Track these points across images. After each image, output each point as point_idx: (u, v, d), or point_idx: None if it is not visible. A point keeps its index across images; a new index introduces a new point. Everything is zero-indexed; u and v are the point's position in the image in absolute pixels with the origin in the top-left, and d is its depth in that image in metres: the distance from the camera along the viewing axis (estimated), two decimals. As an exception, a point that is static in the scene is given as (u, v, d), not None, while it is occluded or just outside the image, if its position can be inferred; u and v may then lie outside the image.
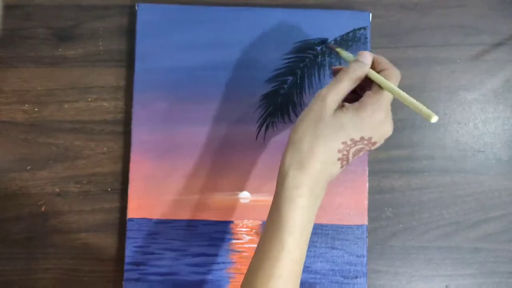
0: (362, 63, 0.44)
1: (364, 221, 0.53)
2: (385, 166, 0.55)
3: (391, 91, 0.42)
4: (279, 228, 0.41)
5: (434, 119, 0.39)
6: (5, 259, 0.54)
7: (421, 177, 0.55)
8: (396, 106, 0.56)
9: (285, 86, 0.54)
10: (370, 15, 0.55)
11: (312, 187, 0.41)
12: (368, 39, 0.54)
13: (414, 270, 0.54)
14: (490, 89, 0.56)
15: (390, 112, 0.43)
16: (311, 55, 0.54)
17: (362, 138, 0.42)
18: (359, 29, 0.54)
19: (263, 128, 0.54)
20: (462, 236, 0.55)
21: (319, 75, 0.54)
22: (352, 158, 0.43)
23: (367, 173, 0.54)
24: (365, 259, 0.53)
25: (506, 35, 0.56)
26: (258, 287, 0.40)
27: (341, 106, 0.43)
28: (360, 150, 0.43)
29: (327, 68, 0.54)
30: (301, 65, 0.54)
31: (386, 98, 0.42)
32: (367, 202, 0.53)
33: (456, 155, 0.55)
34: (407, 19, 0.56)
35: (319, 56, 0.54)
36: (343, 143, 0.42)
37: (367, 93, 0.43)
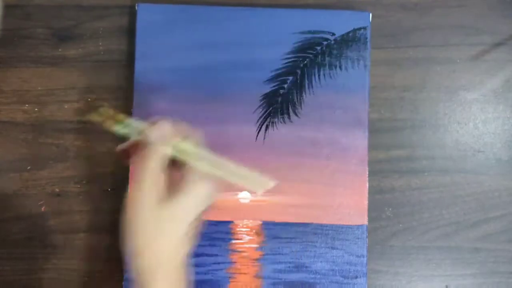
0: (155, 150, 0.40)
1: (364, 221, 0.53)
2: (385, 166, 0.55)
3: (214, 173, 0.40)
4: None
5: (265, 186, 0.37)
6: (5, 259, 0.54)
7: (421, 177, 0.55)
8: (396, 106, 0.56)
9: (285, 86, 0.54)
10: (370, 15, 0.55)
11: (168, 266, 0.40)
12: (368, 39, 0.54)
13: (414, 270, 0.54)
14: (490, 89, 0.56)
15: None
16: (311, 55, 0.54)
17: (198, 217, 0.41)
18: (359, 29, 0.54)
19: (263, 128, 0.54)
20: (462, 236, 0.55)
21: (319, 75, 0.54)
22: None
23: (367, 173, 0.54)
24: (365, 259, 0.53)
25: (506, 35, 0.56)
26: None
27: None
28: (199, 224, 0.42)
29: (327, 68, 0.54)
30: (301, 65, 0.54)
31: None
32: (367, 202, 0.53)
33: (456, 155, 0.55)
34: (407, 19, 0.56)
35: (319, 56, 0.54)
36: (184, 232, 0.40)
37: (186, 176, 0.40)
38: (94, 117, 0.42)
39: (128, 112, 0.55)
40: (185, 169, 0.40)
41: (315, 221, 0.53)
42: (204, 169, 0.39)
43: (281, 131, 0.54)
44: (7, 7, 0.56)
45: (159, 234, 0.38)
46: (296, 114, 0.54)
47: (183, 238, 0.40)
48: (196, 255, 0.52)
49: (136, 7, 0.54)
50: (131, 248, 0.39)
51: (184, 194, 0.39)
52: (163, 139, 0.39)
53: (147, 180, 0.38)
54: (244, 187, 0.37)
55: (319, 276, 0.52)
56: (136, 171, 0.39)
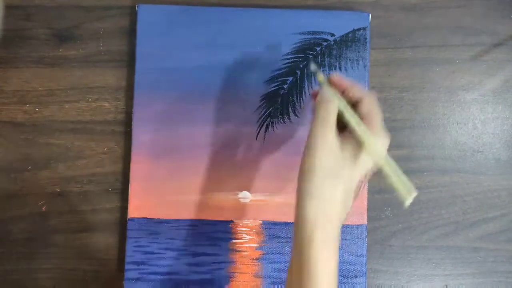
0: (326, 102, 0.40)
1: (364, 220, 0.53)
2: (384, 166, 0.55)
3: (379, 161, 0.39)
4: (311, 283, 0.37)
5: (408, 201, 0.37)
6: (5, 259, 0.54)
7: (421, 177, 0.55)
8: (396, 106, 0.56)
9: (285, 86, 0.54)
10: (370, 15, 0.55)
11: (338, 237, 0.39)
12: (368, 40, 0.54)
13: (414, 270, 0.55)
14: (490, 89, 0.56)
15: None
16: (311, 55, 0.54)
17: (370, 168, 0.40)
18: (359, 29, 0.54)
19: (263, 128, 0.54)
20: (462, 236, 0.55)
21: (319, 76, 0.54)
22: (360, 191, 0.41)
23: (367, 173, 0.54)
24: (365, 258, 0.53)
25: (505, 35, 0.56)
26: None
27: (341, 135, 0.40)
28: (362, 184, 0.41)
29: (326, 68, 0.54)
30: (301, 65, 0.54)
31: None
32: (366, 202, 0.54)
33: (455, 155, 0.56)
34: (407, 20, 0.57)
35: (319, 57, 0.54)
36: (359, 180, 0.40)
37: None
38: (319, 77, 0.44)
39: (129, 112, 0.55)
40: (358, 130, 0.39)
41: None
42: (372, 150, 0.39)
43: (281, 131, 0.54)
44: (8, 7, 0.56)
45: (335, 181, 0.38)
46: (296, 114, 0.54)
47: (350, 196, 0.39)
48: (196, 254, 0.53)
49: (137, 8, 0.54)
50: (303, 188, 0.39)
51: (366, 152, 0.39)
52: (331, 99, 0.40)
53: (330, 121, 0.39)
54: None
55: (319, 275, 0.52)
56: (318, 110, 0.40)
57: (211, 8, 0.55)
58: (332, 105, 0.40)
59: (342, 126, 0.41)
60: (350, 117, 0.39)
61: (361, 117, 0.40)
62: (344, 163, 0.38)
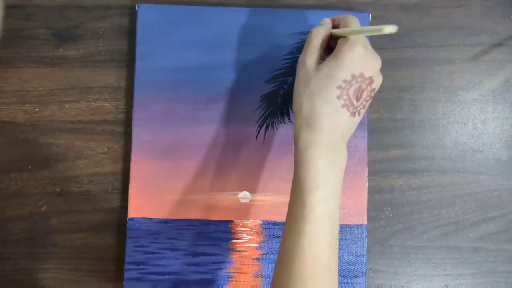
0: (321, 25, 0.47)
1: (364, 220, 0.53)
2: (384, 166, 0.55)
3: (347, 33, 0.44)
4: (299, 189, 0.42)
5: (388, 29, 0.39)
6: (5, 258, 0.54)
7: (421, 177, 0.55)
8: (396, 106, 0.56)
9: (285, 86, 0.54)
10: (370, 15, 0.55)
11: (327, 144, 0.42)
12: (368, 39, 0.54)
13: (414, 270, 0.55)
14: (489, 89, 0.56)
15: (369, 45, 0.44)
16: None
17: (353, 76, 0.43)
18: (359, 29, 0.54)
19: (263, 128, 0.54)
20: (462, 236, 0.55)
21: (319, 76, 0.54)
22: (357, 101, 0.43)
23: (367, 173, 0.54)
24: (365, 258, 0.53)
25: (505, 35, 0.56)
26: (290, 246, 0.41)
27: (321, 62, 0.45)
28: (360, 89, 0.43)
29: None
30: (301, 65, 0.54)
31: (357, 37, 0.44)
32: (366, 202, 0.54)
33: (455, 155, 0.56)
34: (407, 20, 0.57)
35: (319, 57, 0.54)
36: (337, 87, 0.43)
37: (339, 39, 0.45)
38: None
39: (129, 112, 0.55)
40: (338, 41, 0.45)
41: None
42: (347, 31, 0.44)
43: (281, 131, 0.54)
44: (8, 7, 0.56)
45: (316, 89, 0.43)
46: (296, 114, 0.54)
47: (336, 107, 0.43)
48: (196, 254, 0.53)
49: (137, 8, 0.54)
50: (295, 103, 0.45)
51: (334, 55, 0.44)
52: (326, 22, 0.47)
53: (313, 42, 0.45)
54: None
55: (319, 275, 0.52)
56: (308, 41, 0.46)
57: (211, 8, 0.55)
58: (313, 34, 0.46)
59: (328, 52, 0.46)
60: (337, 31, 0.46)
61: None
62: (319, 80, 0.43)
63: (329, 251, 0.41)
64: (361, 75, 0.43)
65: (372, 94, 0.44)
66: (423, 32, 0.56)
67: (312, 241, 0.41)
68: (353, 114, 0.43)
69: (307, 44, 0.46)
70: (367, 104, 0.45)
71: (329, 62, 0.43)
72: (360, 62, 0.43)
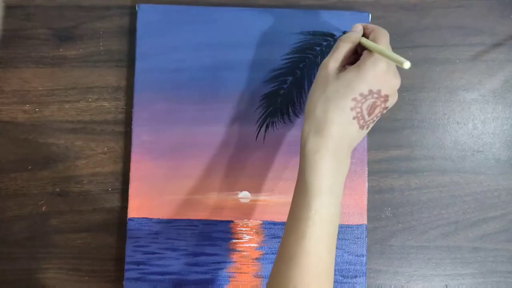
0: (353, 31, 0.48)
1: (364, 220, 0.53)
2: (384, 166, 0.55)
3: (373, 48, 0.44)
4: (306, 192, 0.42)
5: (406, 64, 0.40)
6: (5, 259, 0.54)
7: (420, 177, 0.55)
8: (395, 106, 0.56)
9: (285, 86, 0.54)
10: (370, 15, 0.55)
11: (333, 151, 0.43)
12: (368, 40, 0.54)
13: (414, 270, 0.55)
14: (489, 89, 0.56)
15: (393, 64, 0.44)
16: (311, 55, 0.54)
17: (370, 92, 0.43)
18: (359, 29, 0.54)
19: (263, 128, 0.54)
20: (462, 236, 0.55)
21: (318, 76, 0.54)
22: (368, 116, 0.44)
23: (367, 173, 0.54)
24: (365, 258, 0.53)
25: (505, 35, 0.56)
26: (292, 247, 0.42)
27: (343, 69, 0.45)
28: (373, 105, 0.44)
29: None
30: (301, 65, 0.54)
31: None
32: (366, 201, 0.54)
33: (455, 155, 0.56)
34: (406, 20, 0.57)
35: (319, 56, 0.54)
36: (353, 99, 0.43)
37: (365, 51, 0.45)
38: None
39: (129, 112, 0.55)
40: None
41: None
42: (375, 47, 0.44)
43: (281, 131, 0.54)
44: (7, 7, 0.56)
45: (333, 96, 0.44)
46: (296, 114, 0.54)
47: (348, 118, 0.43)
48: (196, 254, 0.53)
49: (137, 8, 0.54)
50: (308, 105, 0.45)
51: (357, 66, 0.44)
52: (358, 29, 0.48)
53: (340, 49, 0.46)
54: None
55: (319, 275, 0.52)
56: (337, 45, 0.47)
57: (211, 8, 0.55)
58: (343, 40, 0.46)
59: (353, 61, 0.46)
60: (365, 41, 0.46)
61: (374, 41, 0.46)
62: (337, 88, 0.43)
63: (330, 255, 0.42)
64: (378, 92, 0.43)
65: (384, 112, 0.45)
66: (423, 32, 0.56)
67: (315, 244, 0.41)
68: (362, 127, 0.44)
69: (335, 48, 0.46)
70: (376, 120, 0.46)
71: (351, 72, 0.44)
72: (380, 79, 0.43)
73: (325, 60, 0.46)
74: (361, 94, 0.43)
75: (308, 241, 0.41)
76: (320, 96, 0.44)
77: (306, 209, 0.42)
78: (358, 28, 0.48)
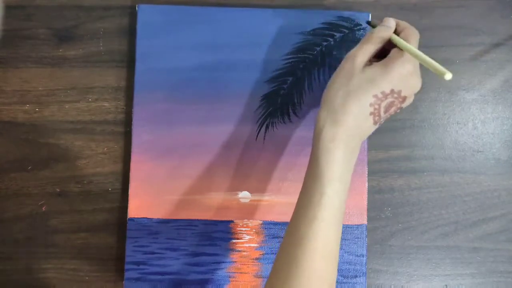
0: (386, 27, 0.47)
1: (364, 220, 0.53)
2: (384, 166, 0.55)
3: (408, 50, 0.44)
4: (319, 177, 0.43)
5: (448, 76, 0.40)
6: (5, 258, 0.54)
7: (420, 177, 0.55)
8: (396, 106, 0.56)
9: (285, 86, 0.54)
10: (370, 15, 0.55)
11: (346, 141, 0.44)
12: (368, 40, 0.54)
13: (413, 270, 0.55)
14: (489, 89, 0.56)
15: (418, 66, 0.45)
16: (311, 56, 0.54)
17: (392, 91, 0.44)
18: (359, 29, 0.54)
19: (263, 128, 0.54)
20: (461, 236, 0.55)
21: (319, 76, 0.54)
22: (384, 114, 0.45)
23: (367, 173, 0.54)
24: (365, 258, 0.53)
25: (505, 35, 0.57)
26: (302, 229, 0.42)
27: (369, 64, 0.45)
28: (391, 105, 0.44)
29: (327, 68, 0.54)
30: (301, 65, 0.54)
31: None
32: (366, 201, 0.54)
33: (455, 155, 0.56)
34: (406, 20, 0.56)
35: (319, 57, 0.54)
36: (374, 96, 0.43)
37: (394, 49, 0.45)
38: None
39: (129, 112, 0.55)
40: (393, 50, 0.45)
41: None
42: (406, 47, 0.44)
43: (281, 131, 0.54)
44: (7, 7, 0.56)
45: (354, 89, 0.44)
46: (296, 114, 0.54)
47: (365, 115, 0.44)
48: (196, 254, 0.53)
49: (137, 8, 0.54)
50: (322, 98, 0.45)
51: (384, 64, 0.44)
52: (392, 25, 0.47)
53: (370, 43, 0.45)
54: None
55: (319, 275, 0.52)
56: (366, 39, 0.46)
57: (211, 8, 0.55)
58: (374, 34, 0.46)
59: (380, 55, 0.46)
60: (398, 40, 0.45)
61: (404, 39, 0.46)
62: (360, 82, 0.44)
63: (336, 239, 0.43)
64: (399, 92, 0.44)
65: (398, 111, 0.46)
66: (423, 32, 0.56)
67: (325, 227, 0.42)
68: (375, 123, 0.45)
69: (365, 41, 0.46)
70: (389, 118, 0.46)
71: (377, 68, 0.44)
72: (404, 80, 0.44)
73: (352, 52, 0.45)
74: (382, 92, 0.43)
75: (318, 224, 0.42)
76: (342, 87, 0.44)
77: (319, 195, 0.43)
78: (392, 23, 0.47)
